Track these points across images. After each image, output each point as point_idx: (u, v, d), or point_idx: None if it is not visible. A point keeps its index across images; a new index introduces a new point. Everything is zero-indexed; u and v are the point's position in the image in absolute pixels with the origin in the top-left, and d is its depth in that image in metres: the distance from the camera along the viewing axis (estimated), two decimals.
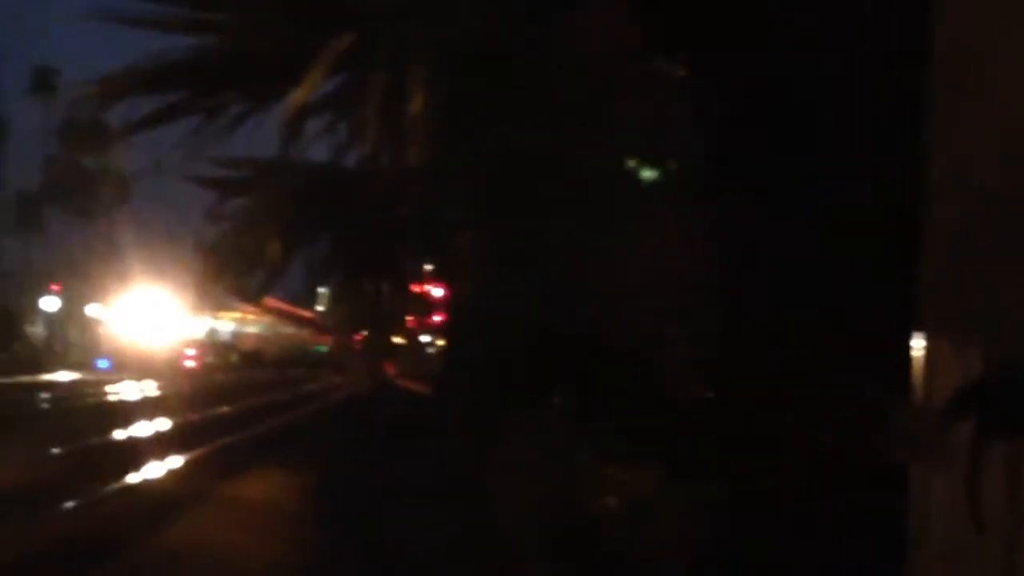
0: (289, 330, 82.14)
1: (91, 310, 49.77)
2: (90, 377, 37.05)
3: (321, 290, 4.71)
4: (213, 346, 62.32)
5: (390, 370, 26.52)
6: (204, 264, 4.38)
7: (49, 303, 47.53)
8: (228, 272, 4.62)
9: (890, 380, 2.94)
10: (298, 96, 4.02)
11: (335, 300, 4.61)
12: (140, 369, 41.57)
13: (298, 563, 9.51)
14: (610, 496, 4.32)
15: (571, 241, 4.19)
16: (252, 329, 77.55)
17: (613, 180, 4.19)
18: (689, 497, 4.09)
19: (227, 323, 71.06)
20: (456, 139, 4.24)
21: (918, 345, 2.80)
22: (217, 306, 64.73)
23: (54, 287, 47.85)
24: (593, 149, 3.98)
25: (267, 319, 79.17)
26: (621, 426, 4.20)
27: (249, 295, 4.78)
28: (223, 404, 26.57)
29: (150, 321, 50.97)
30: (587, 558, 4.44)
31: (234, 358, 61.95)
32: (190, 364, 55.53)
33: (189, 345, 58.85)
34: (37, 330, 47.74)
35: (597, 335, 4.20)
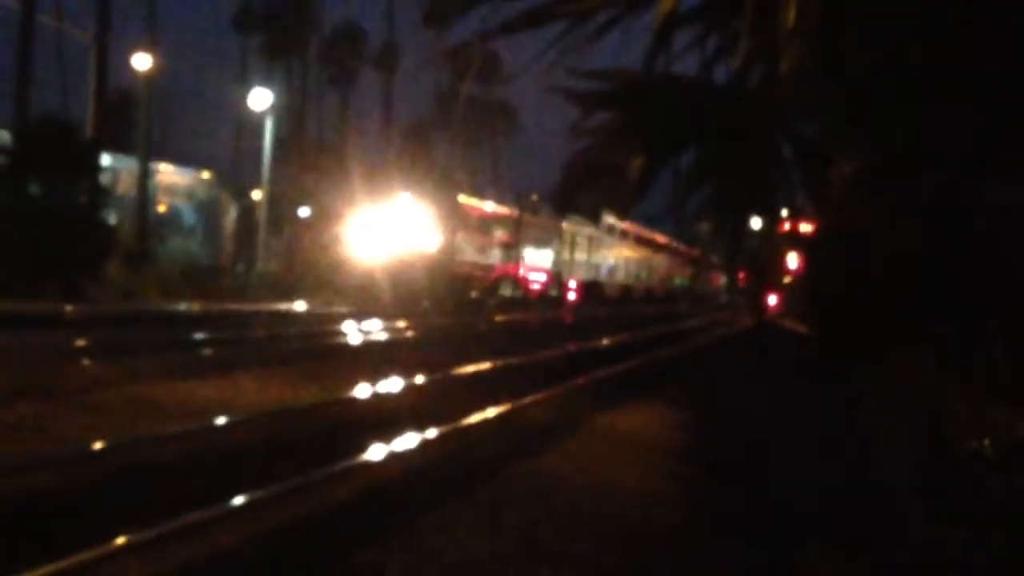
0: (646, 259, 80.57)
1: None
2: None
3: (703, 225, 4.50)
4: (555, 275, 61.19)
5: (774, 309, 25.98)
6: (564, 180, 4.30)
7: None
8: (588, 189, 4.52)
9: None
10: (666, 3, 3.85)
11: (714, 232, 4.40)
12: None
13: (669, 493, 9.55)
14: (985, 439, 3.95)
15: (961, 160, 3.78)
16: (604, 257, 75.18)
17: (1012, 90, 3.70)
18: None
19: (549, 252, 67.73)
20: (831, 51, 3.92)
21: None
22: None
23: None
24: (988, 57, 3.54)
25: (623, 248, 77.49)
26: (1001, 364, 3.79)
27: (615, 210, 4.66)
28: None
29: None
30: (958, 501, 4.11)
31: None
32: (535, 287, 56.44)
33: (535, 269, 59.00)
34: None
35: (981, 266, 3.79)
